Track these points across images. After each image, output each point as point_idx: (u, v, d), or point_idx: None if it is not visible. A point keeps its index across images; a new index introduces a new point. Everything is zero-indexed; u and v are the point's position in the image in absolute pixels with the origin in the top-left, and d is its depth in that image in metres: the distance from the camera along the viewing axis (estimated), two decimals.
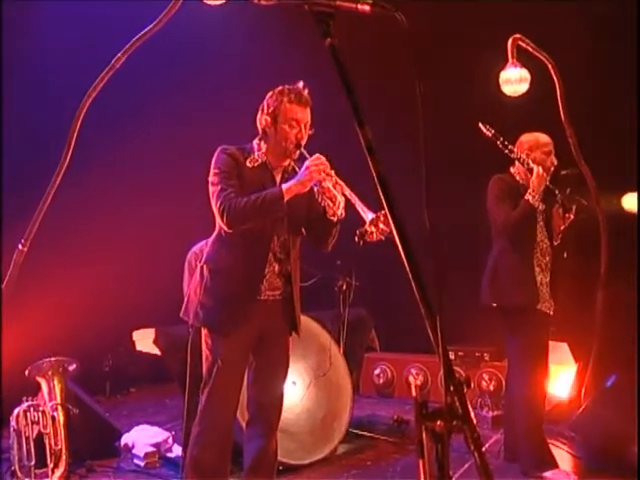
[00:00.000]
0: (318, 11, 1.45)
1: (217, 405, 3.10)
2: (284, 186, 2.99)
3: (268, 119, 3.12)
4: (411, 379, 6.16)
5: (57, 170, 3.65)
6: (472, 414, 1.26)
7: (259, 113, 3.18)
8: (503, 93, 4.60)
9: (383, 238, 2.83)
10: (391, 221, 1.37)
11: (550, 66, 4.75)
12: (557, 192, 4.05)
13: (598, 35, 5.47)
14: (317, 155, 2.98)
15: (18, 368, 3.91)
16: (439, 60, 5.33)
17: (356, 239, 2.85)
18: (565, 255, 4.17)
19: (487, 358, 5.89)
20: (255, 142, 3.18)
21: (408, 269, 1.34)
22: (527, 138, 4.12)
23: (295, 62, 5.28)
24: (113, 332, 5.79)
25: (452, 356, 5.94)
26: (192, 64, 5.91)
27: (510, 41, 4.56)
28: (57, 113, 4.13)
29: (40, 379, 3.89)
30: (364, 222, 2.86)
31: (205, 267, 3.15)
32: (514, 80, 4.49)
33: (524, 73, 4.48)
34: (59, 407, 3.85)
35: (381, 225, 2.83)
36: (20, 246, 3.62)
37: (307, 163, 2.97)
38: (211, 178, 3.09)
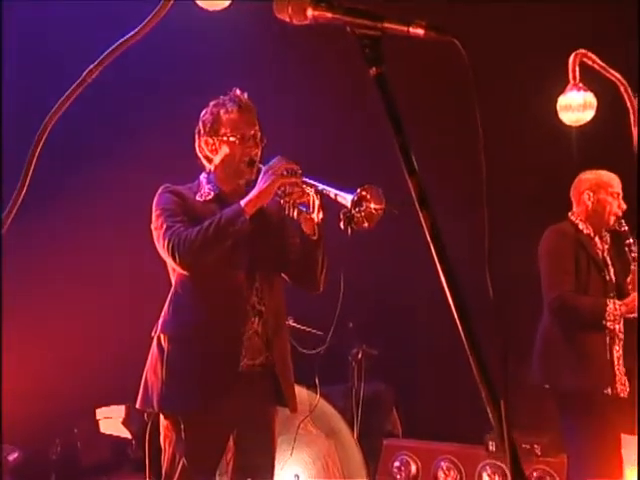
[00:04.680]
0: (362, 34, 1.48)
1: None
2: (242, 201, 3.01)
3: (209, 140, 3.18)
4: (440, 475, 6.13)
5: (9, 208, 3.70)
6: None
7: (196, 139, 3.24)
8: (562, 122, 4.57)
9: (374, 223, 2.81)
10: (446, 286, 1.41)
11: (622, 88, 4.76)
12: (632, 245, 4.09)
13: None
14: (277, 157, 3.02)
15: None
16: (489, 84, 5.42)
17: (342, 225, 2.82)
18: None
19: (538, 452, 5.83)
20: (202, 176, 3.25)
21: (465, 340, 1.38)
22: (587, 176, 4.18)
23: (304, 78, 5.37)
24: (68, 409, 5.73)
25: (492, 447, 5.90)
26: (181, 78, 6.00)
27: (572, 58, 4.53)
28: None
29: None
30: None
31: (162, 337, 3.12)
32: (576, 106, 4.29)
33: (589, 98, 4.27)
34: None
35: (372, 204, 2.81)
36: None
37: (264, 168, 3.03)
38: (153, 224, 3.12)
